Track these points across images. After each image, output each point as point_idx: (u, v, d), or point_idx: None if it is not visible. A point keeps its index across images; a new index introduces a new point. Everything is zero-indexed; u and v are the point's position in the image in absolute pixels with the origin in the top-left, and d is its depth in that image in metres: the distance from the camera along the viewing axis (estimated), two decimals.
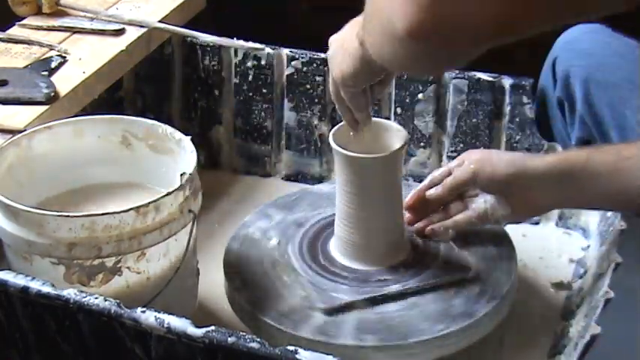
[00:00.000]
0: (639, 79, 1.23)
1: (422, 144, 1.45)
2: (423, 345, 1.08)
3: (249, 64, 1.50)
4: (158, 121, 1.21)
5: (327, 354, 0.89)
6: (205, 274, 1.22)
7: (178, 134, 1.18)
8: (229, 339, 0.91)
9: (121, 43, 1.41)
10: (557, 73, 1.34)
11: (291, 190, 1.41)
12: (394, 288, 1.14)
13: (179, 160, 1.17)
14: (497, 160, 1.14)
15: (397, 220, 1.19)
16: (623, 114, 1.23)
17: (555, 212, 1.39)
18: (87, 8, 1.50)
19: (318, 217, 1.27)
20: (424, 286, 1.14)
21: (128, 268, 1.08)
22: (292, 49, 1.48)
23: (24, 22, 1.48)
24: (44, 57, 1.38)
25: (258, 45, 1.49)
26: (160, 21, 1.48)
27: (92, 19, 1.48)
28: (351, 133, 1.16)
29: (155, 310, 0.94)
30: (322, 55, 1.46)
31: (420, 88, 1.42)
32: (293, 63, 1.48)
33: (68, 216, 1.04)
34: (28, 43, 1.41)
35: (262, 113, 1.51)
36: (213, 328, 0.92)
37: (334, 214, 1.20)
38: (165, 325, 0.93)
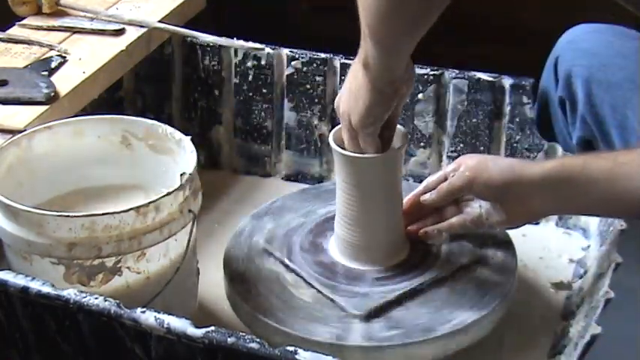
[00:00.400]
0: None
1: (422, 144, 1.45)
2: (422, 345, 1.08)
3: (249, 64, 1.49)
4: (158, 121, 1.21)
5: (327, 354, 0.89)
6: (205, 274, 1.22)
7: (178, 134, 1.18)
8: (229, 339, 0.91)
9: (121, 43, 1.41)
10: (558, 73, 1.33)
11: (291, 190, 1.41)
12: (394, 290, 1.14)
13: (179, 160, 1.17)
14: (493, 166, 1.13)
15: (397, 220, 1.19)
16: (625, 114, 1.23)
17: None
18: (87, 8, 1.50)
19: (318, 215, 1.27)
20: (418, 287, 1.14)
21: (128, 268, 1.08)
22: (292, 49, 1.48)
23: (24, 22, 1.48)
24: (44, 57, 1.38)
25: (258, 45, 1.49)
26: (159, 21, 1.48)
27: (92, 19, 1.48)
28: None
29: (155, 311, 0.94)
30: (322, 55, 1.46)
31: (420, 88, 1.42)
32: (293, 63, 1.48)
33: (68, 216, 1.04)
34: (28, 43, 1.41)
35: (262, 113, 1.51)
36: (213, 328, 0.92)
37: (335, 213, 1.20)
38: (165, 326, 0.93)
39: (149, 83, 1.54)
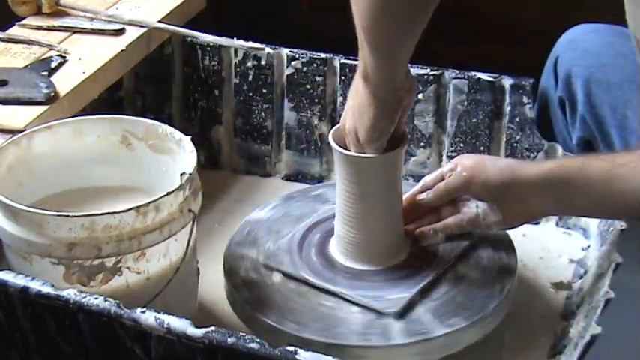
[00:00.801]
0: None
1: (422, 144, 1.45)
2: (422, 345, 1.08)
3: (249, 64, 1.49)
4: (158, 121, 1.21)
5: (327, 354, 0.89)
6: (205, 274, 1.22)
7: (178, 134, 1.18)
8: (229, 339, 0.91)
9: (120, 43, 1.41)
10: (558, 73, 1.34)
11: (290, 190, 1.41)
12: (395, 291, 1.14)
13: (179, 160, 1.17)
14: (491, 167, 1.13)
15: (397, 220, 1.19)
16: (625, 114, 1.23)
17: None
18: (87, 8, 1.50)
19: (317, 215, 1.27)
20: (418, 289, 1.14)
21: (128, 268, 1.08)
22: (292, 49, 1.48)
23: (24, 22, 1.48)
24: (44, 57, 1.38)
25: (258, 45, 1.49)
26: (159, 21, 1.48)
27: (92, 19, 1.48)
28: None
29: (155, 311, 0.94)
30: (322, 55, 1.46)
31: (420, 88, 1.42)
32: (293, 63, 1.48)
33: (68, 216, 1.04)
34: (28, 43, 1.41)
35: (262, 113, 1.51)
36: (213, 328, 0.92)
37: (334, 213, 1.20)
38: (165, 326, 0.93)
39: (149, 83, 1.54)
